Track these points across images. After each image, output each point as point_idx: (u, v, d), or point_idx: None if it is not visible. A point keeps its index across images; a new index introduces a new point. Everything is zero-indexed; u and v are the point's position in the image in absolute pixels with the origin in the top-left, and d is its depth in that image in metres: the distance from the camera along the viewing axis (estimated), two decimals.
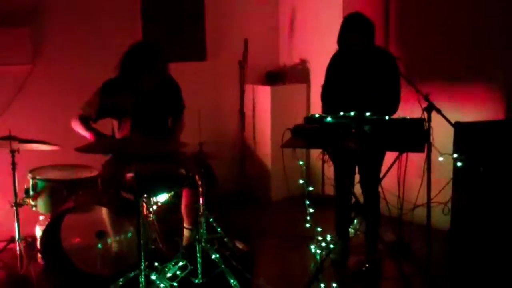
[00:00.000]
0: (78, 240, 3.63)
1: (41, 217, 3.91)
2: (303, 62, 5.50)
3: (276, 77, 5.38)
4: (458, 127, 3.68)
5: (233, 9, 5.33)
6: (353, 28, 3.66)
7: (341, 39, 3.73)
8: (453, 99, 4.25)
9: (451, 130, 3.63)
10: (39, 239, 3.69)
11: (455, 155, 3.53)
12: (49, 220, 3.49)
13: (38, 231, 3.82)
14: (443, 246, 3.83)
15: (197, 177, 3.50)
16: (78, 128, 3.75)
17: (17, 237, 3.68)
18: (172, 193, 3.71)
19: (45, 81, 4.38)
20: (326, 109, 3.84)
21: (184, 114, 3.99)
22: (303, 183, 3.80)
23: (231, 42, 5.18)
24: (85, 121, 3.74)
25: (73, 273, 3.52)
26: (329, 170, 4.62)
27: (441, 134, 3.51)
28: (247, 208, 4.69)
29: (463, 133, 3.70)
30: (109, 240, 3.54)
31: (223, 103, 5.33)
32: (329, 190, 5.03)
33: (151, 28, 4.83)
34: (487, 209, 3.67)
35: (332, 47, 3.92)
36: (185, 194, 3.84)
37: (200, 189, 3.48)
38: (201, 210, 3.46)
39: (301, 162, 3.69)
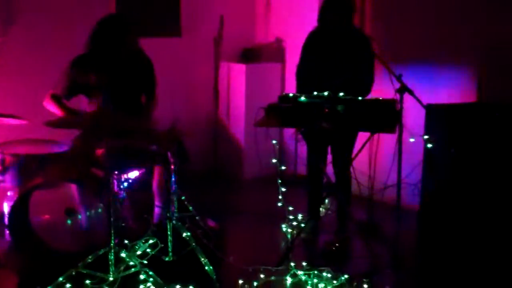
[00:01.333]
0: (47, 217, 3.59)
1: (9, 193, 3.84)
2: (279, 40, 5.46)
3: (251, 55, 5.34)
4: (430, 109, 3.71)
5: None
6: (334, 8, 3.65)
7: (322, 18, 3.71)
8: (426, 81, 4.28)
9: (423, 111, 3.67)
10: (6, 215, 3.63)
11: (426, 137, 3.57)
12: (17, 195, 3.43)
13: (6, 207, 3.75)
14: (413, 226, 3.89)
15: (169, 154, 3.47)
16: (51, 107, 3.68)
17: None
18: (143, 170, 3.68)
19: (16, 55, 4.27)
20: (300, 88, 3.84)
21: (157, 91, 3.93)
22: (275, 162, 3.81)
23: (206, 19, 5.12)
24: (58, 100, 3.67)
25: (42, 250, 3.47)
26: (302, 149, 4.64)
27: (413, 115, 3.55)
28: (219, 186, 4.68)
29: (435, 115, 3.74)
30: (78, 217, 3.50)
31: (197, 80, 5.28)
32: (302, 169, 5.05)
33: (125, 3, 4.73)
34: (456, 190, 3.73)
35: (308, 26, 3.91)
36: (156, 171, 3.81)
37: (172, 167, 3.45)
38: (173, 188, 3.44)
39: (274, 141, 3.69)
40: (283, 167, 3.93)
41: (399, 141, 3.40)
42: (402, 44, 4.44)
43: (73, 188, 3.50)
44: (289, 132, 4.41)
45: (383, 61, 3.53)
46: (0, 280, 3.21)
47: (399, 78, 3.43)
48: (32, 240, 3.49)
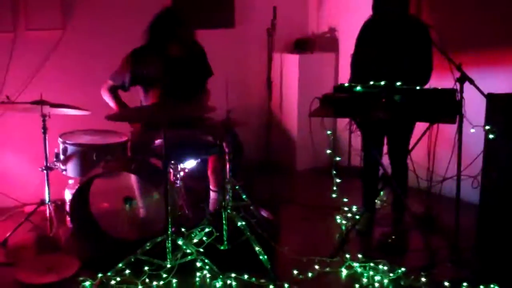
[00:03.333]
0: (106, 205, 3.69)
1: (70, 181, 3.97)
2: (332, 30, 5.41)
3: (304, 45, 5.31)
4: (491, 98, 3.59)
5: None
6: None
7: (378, 6, 3.64)
8: (487, 70, 4.14)
9: (483, 101, 3.55)
10: (68, 203, 3.76)
11: (487, 127, 3.46)
12: (78, 184, 3.54)
13: (68, 195, 3.88)
14: (472, 220, 3.78)
15: (224, 144, 3.50)
16: (107, 98, 3.81)
17: (47, 200, 3.75)
18: (199, 160, 3.73)
19: (75, 46, 4.40)
20: (356, 78, 3.78)
21: (209, 81, 3.97)
22: (330, 153, 3.78)
23: (259, 10, 5.11)
24: (113, 91, 3.78)
25: (101, 237, 3.58)
26: (356, 140, 4.58)
27: (473, 105, 3.44)
28: (273, 177, 4.68)
29: (496, 104, 3.61)
30: (136, 206, 3.58)
31: (251, 71, 5.29)
32: (356, 161, 4.99)
33: None
34: None
35: (361, 15, 3.84)
36: (211, 160, 3.86)
37: (226, 157, 3.48)
38: (227, 177, 3.47)
39: (328, 132, 3.67)
40: (337, 158, 3.89)
41: (459, 132, 3.30)
42: (462, 32, 4.30)
43: (132, 177, 3.58)
44: (343, 122, 4.36)
45: (442, 50, 3.44)
46: (63, 265, 3.32)
47: (459, 67, 3.33)
48: (92, 227, 3.60)
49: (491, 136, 3.41)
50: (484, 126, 3.49)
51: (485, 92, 3.46)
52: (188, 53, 3.80)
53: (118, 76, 3.75)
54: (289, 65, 5.25)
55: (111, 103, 3.80)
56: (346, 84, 3.44)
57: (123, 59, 3.74)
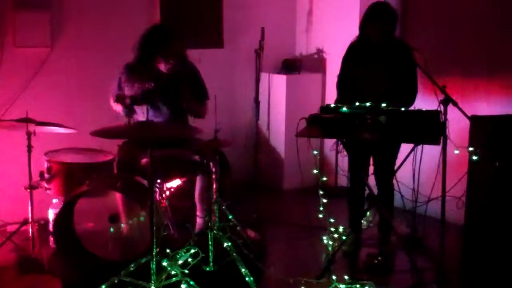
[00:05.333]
0: (91, 224, 3.65)
1: (54, 200, 3.93)
2: (319, 51, 5.46)
3: (292, 66, 5.34)
4: (475, 120, 3.63)
5: None
6: (379, 18, 3.62)
7: (364, 28, 3.68)
8: (470, 92, 4.19)
9: (467, 123, 3.59)
10: (51, 222, 3.72)
11: (471, 149, 3.49)
12: (62, 203, 3.51)
13: (51, 214, 3.84)
14: (457, 241, 3.80)
15: (211, 164, 3.50)
16: (118, 107, 3.72)
17: (30, 220, 3.70)
18: (186, 179, 3.71)
19: (63, 64, 4.40)
20: (341, 99, 3.81)
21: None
22: (316, 173, 3.79)
23: (248, 30, 5.15)
24: (123, 99, 3.68)
25: (85, 257, 3.53)
26: (343, 161, 4.60)
27: (457, 127, 3.47)
28: (260, 196, 4.68)
29: (480, 126, 3.65)
30: (121, 225, 3.55)
31: (239, 91, 5.32)
32: (342, 181, 5.00)
33: (169, 15, 4.81)
34: (502, 204, 3.62)
35: (348, 37, 3.88)
36: (198, 180, 3.83)
37: (213, 176, 3.47)
38: (214, 197, 3.46)
39: (315, 152, 3.68)
40: (324, 178, 3.90)
41: (444, 153, 3.33)
42: (446, 55, 4.37)
43: (117, 196, 3.55)
44: (330, 143, 4.37)
45: (427, 72, 3.48)
46: (45, 286, 3.27)
47: (443, 89, 3.37)
48: (76, 247, 3.55)
49: (474, 157, 3.44)
50: (468, 147, 3.52)
51: (469, 114, 3.50)
52: (179, 71, 3.78)
53: (112, 91, 3.75)
54: (277, 85, 5.28)
55: (120, 109, 3.69)
56: (333, 105, 3.46)
57: (119, 74, 3.74)
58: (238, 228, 3.87)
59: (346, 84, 3.84)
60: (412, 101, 3.71)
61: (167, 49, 3.65)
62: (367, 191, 3.78)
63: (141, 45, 3.68)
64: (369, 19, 3.66)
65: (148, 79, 3.70)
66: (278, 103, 5.28)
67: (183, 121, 3.85)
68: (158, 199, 3.44)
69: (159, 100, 3.73)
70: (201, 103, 3.86)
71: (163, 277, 3.12)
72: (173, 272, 3.16)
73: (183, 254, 3.41)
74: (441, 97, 3.36)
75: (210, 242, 3.39)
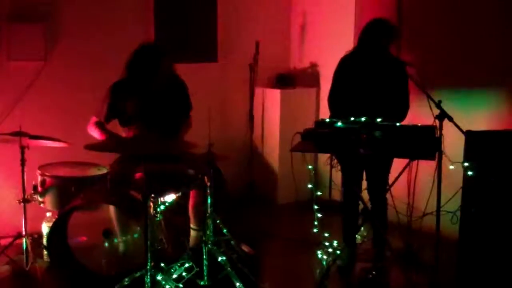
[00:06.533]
0: (85, 238, 3.63)
1: (48, 214, 3.90)
2: (314, 66, 5.48)
3: (286, 80, 5.36)
4: (470, 135, 3.65)
5: (245, 11, 5.32)
6: (389, 34, 3.68)
7: (371, 42, 3.71)
8: (465, 107, 4.21)
9: (462, 138, 3.61)
10: (45, 236, 3.69)
11: (466, 164, 3.50)
12: (56, 217, 3.49)
13: (45, 228, 3.81)
14: (451, 255, 3.79)
15: (205, 178, 3.49)
16: (94, 133, 3.76)
17: (24, 233, 3.67)
18: (180, 193, 3.70)
19: (57, 78, 4.39)
20: (334, 114, 3.82)
21: (192, 115, 3.97)
22: (311, 187, 3.79)
23: (242, 45, 5.18)
24: (101, 126, 3.75)
25: (79, 271, 3.50)
26: (337, 175, 4.60)
27: (452, 142, 3.49)
28: (254, 210, 4.67)
29: (475, 141, 3.67)
30: (115, 239, 3.53)
31: (233, 105, 5.32)
32: (336, 195, 5.00)
33: (164, 29, 4.83)
34: (496, 219, 3.63)
35: (342, 51, 3.91)
36: (192, 195, 3.83)
37: (208, 191, 3.46)
38: (208, 212, 3.45)
39: (309, 167, 3.68)
40: (318, 193, 3.90)
41: (439, 168, 3.34)
42: (441, 70, 4.40)
43: (111, 210, 3.53)
44: (324, 157, 4.38)
45: (422, 88, 3.50)
46: None
47: (438, 104, 3.39)
48: (70, 261, 3.52)
49: (470, 172, 3.45)
50: (463, 162, 3.53)
51: (464, 129, 3.52)
52: (168, 87, 3.80)
53: (100, 111, 3.74)
54: (271, 100, 5.29)
55: (97, 134, 3.75)
56: (327, 120, 3.46)
57: (105, 93, 3.74)
58: (232, 242, 3.85)
59: (338, 98, 3.85)
60: (403, 117, 3.73)
61: (155, 69, 3.67)
62: (361, 206, 3.78)
63: (130, 64, 3.70)
64: (380, 35, 3.68)
65: (137, 97, 3.71)
66: (273, 118, 5.28)
67: (177, 136, 3.85)
68: (152, 213, 3.42)
69: (150, 117, 3.73)
70: (186, 115, 3.89)
71: None
72: (167, 287, 3.14)
73: (177, 268, 3.38)
74: (437, 112, 3.38)
75: (204, 256, 3.37)
